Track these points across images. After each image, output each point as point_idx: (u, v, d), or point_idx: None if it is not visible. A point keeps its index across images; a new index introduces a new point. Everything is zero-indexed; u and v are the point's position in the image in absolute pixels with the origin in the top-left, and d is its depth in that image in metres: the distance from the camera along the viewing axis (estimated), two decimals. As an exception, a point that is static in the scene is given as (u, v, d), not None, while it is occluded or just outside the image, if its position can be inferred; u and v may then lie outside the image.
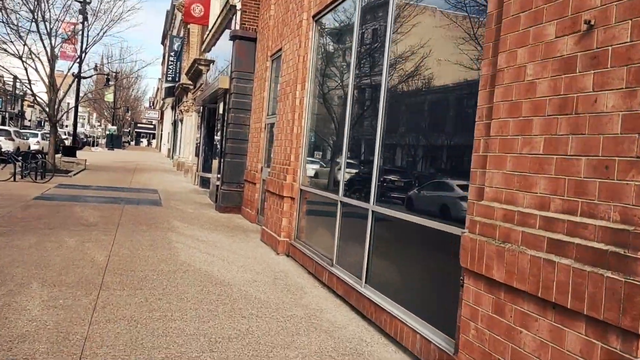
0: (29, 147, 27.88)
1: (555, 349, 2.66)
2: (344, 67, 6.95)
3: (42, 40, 19.67)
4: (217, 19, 16.70)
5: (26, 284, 5.45)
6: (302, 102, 8.12)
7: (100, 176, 19.69)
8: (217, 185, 13.51)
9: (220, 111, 14.76)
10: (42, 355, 3.78)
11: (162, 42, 56.90)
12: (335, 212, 6.49)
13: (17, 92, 57.92)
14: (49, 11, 19.84)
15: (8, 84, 55.13)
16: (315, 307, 5.57)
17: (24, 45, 19.13)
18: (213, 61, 18.67)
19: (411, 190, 5.04)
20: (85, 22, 23.21)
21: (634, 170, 2.41)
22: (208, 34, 18.92)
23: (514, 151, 3.14)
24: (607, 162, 2.54)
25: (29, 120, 70.94)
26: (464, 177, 4.15)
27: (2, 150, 22.37)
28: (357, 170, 6.27)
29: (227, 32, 14.56)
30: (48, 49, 19.84)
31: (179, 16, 31.37)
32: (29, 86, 19.87)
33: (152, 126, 78.97)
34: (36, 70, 19.40)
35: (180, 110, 29.91)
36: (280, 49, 9.83)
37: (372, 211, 5.42)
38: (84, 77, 26.36)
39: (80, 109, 33.01)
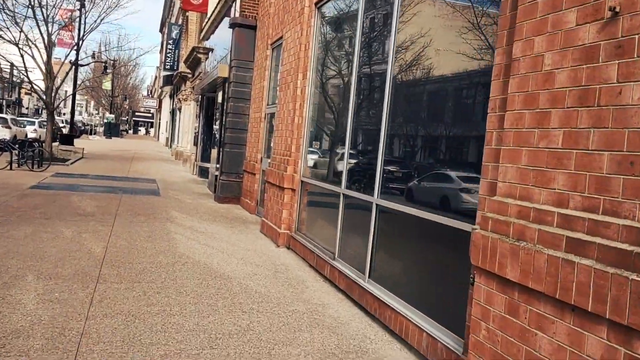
0: (26, 135, 27.72)
1: (574, 354, 2.54)
2: (347, 55, 6.78)
3: (38, 27, 19.43)
4: (216, 6, 16.46)
5: (21, 276, 5.31)
6: (304, 91, 7.95)
7: (97, 165, 19.52)
8: (216, 176, 13.36)
9: (219, 100, 14.57)
10: (36, 352, 3.65)
11: (161, 30, 56.43)
12: (337, 204, 6.35)
13: (14, 79, 57.45)
14: (46, -3, 19.51)
15: (5, 71, 54.68)
16: (317, 301, 5.45)
17: (20, 31, 18.88)
18: (212, 49, 18.45)
19: (417, 184, 4.90)
20: (83, 9, 22.92)
21: (662, 167, 2.27)
22: (207, 22, 18.68)
23: (530, 145, 3.00)
24: (633, 157, 2.40)
25: (27, 108, 70.48)
26: (473, 171, 4.02)
27: (-1, 138, 22.18)
28: (360, 162, 6.12)
29: (226, 19, 14.33)
30: (45, 36, 19.58)
31: (178, 3, 31.04)
32: (25, 73, 19.63)
33: (150, 115, 78.64)
34: (33, 57, 19.14)
35: (179, 99, 29.67)
36: (281, 37, 9.65)
37: (376, 204, 5.28)
38: (82, 65, 26.13)
39: (77, 97, 32.79)
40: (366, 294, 5.15)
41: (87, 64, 30.95)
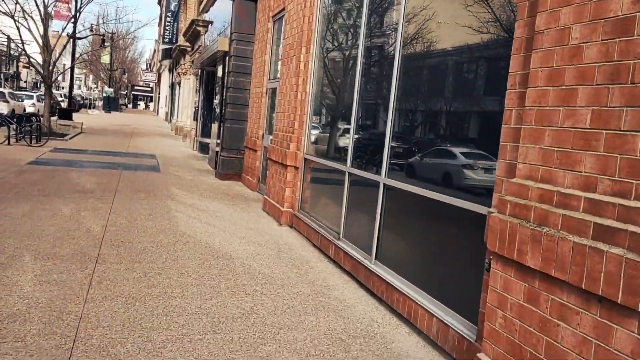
0: (24, 110, 27.43)
1: (600, 347, 2.39)
2: (353, 27, 6.53)
3: (34, -2, 19.00)
4: (216, -22, 16.04)
5: (18, 256, 5.17)
6: (307, 66, 7.71)
7: (97, 140, 19.30)
8: (217, 152, 13.17)
9: (219, 74, 14.28)
10: (33, 337, 3.52)
11: (159, 2, 55.49)
12: (342, 183, 6.18)
13: (12, 52, 56.73)
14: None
15: (2, 44, 53.97)
16: (322, 283, 5.32)
17: (15, 3, 18.45)
18: (211, 22, 18.06)
19: (427, 163, 4.72)
20: (79, -20, 22.41)
21: None
22: (207, -6, 18.24)
23: (553, 124, 2.81)
24: (671, 139, 2.22)
25: (25, 82, 69.76)
26: (489, 150, 3.84)
27: (-3, 112, 21.90)
28: (366, 140, 5.93)
29: (226, -9, 13.96)
30: (41, 8, 19.16)
31: (176, -25, 30.39)
32: (22, 46, 19.26)
33: (149, 89, 77.93)
34: (29, 30, 18.76)
35: (178, 73, 29.26)
36: (283, 9, 9.35)
37: (384, 184, 5.11)
38: (79, 38, 25.68)
39: (76, 71, 32.36)
40: (373, 276, 5.01)
41: (85, 37, 30.42)
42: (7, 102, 25.63)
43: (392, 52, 5.23)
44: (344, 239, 6.01)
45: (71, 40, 23.34)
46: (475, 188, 4.08)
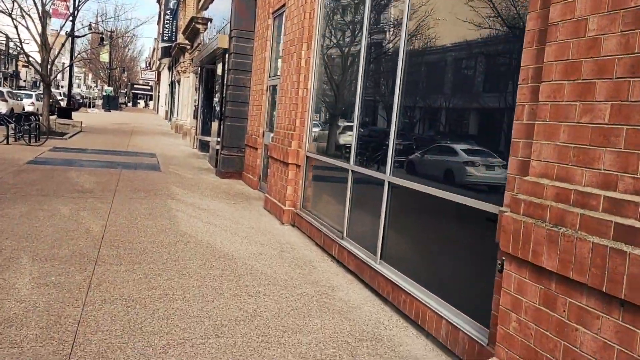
0: (23, 109, 27.28)
1: (623, 353, 2.28)
2: (356, 22, 6.41)
3: (32, -4, 18.86)
4: (215, -25, 15.90)
5: (15, 258, 5.06)
6: (308, 62, 7.59)
7: (96, 139, 19.17)
8: (217, 150, 13.05)
9: (219, 72, 14.15)
10: (30, 342, 3.41)
11: (158, 1, 55.33)
12: (345, 181, 6.06)
13: (10, 51, 56.56)
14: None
15: (1, 43, 53.79)
16: (326, 283, 5.21)
17: (13, 1, 18.32)
18: (211, 19, 17.92)
19: (434, 160, 4.61)
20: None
21: None
22: (206, -9, 18.09)
23: (570, 120, 2.70)
24: (698, 135, 2.11)
25: (24, 81, 69.60)
26: (496, 147, 3.73)
27: (-5, 111, 21.76)
28: (370, 137, 5.81)
29: (226, -12, 13.82)
30: (39, 6, 19.01)
31: (175, -28, 30.24)
32: (20, 45, 19.13)
33: (149, 87, 77.72)
34: (27, 28, 18.63)
35: (178, 71, 29.11)
36: (283, 5, 9.22)
37: (389, 182, 4.99)
38: (78, 36, 25.54)
39: (75, 69, 32.22)
40: (378, 276, 4.90)
41: (84, 35, 30.29)
42: (6, 101, 25.49)
43: (397, 46, 5.11)
44: (348, 238, 5.90)
45: (70, 38, 23.18)
46: (484, 186, 3.97)
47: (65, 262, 5.06)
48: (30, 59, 19.86)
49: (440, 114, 4.65)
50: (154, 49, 67.51)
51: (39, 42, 18.93)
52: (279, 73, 9.25)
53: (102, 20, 44.60)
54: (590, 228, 2.47)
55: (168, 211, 7.77)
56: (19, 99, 29.62)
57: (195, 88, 21.18)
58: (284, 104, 8.23)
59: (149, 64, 77.51)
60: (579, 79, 2.67)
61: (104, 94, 54.88)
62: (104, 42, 38.38)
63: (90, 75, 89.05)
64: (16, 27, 18.43)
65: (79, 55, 30.93)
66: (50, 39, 19.86)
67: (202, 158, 16.21)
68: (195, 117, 19.91)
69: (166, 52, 34.71)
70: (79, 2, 22.39)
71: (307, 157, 7.52)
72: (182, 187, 10.23)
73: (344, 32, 7.00)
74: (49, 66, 19.32)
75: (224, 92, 12.64)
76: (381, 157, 5.24)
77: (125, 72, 69.30)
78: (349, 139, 6.18)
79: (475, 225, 3.84)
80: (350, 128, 6.16)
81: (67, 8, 25.22)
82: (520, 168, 3.11)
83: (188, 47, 24.54)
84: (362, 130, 5.92)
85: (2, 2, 18.36)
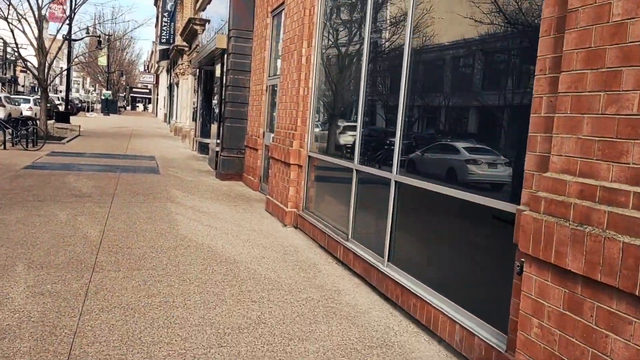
0: (21, 113, 27.08)
1: (660, 362, 2.11)
2: (358, 17, 6.23)
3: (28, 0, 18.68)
4: (212, -25, 15.73)
5: (10, 266, 4.88)
6: (309, 60, 7.41)
7: (94, 143, 19.00)
8: (217, 152, 12.88)
9: (218, 73, 13.98)
10: (23, 356, 3.24)
11: (155, 3, 55.14)
12: (349, 181, 5.89)
13: (8, 56, 56.38)
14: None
15: (-1, 49, 53.64)
16: (331, 287, 5.04)
17: (8, 5, 18.15)
18: (209, 20, 17.75)
19: (443, 158, 4.43)
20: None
21: None
22: (203, -8, 17.93)
23: (593, 111, 2.53)
24: None
25: (23, 86, 69.40)
26: (505, 143, 3.55)
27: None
28: (375, 135, 5.63)
29: (223, -13, 13.65)
30: (35, 10, 18.85)
31: (172, -26, 30.07)
32: (16, 50, 18.96)
33: (147, 90, 77.57)
34: (24, 32, 18.46)
35: (176, 74, 28.94)
36: (282, 3, 9.05)
37: (395, 181, 4.82)
38: (75, 40, 25.38)
39: (74, 74, 32.08)
40: (386, 279, 4.72)
41: (81, 39, 30.15)
42: (3, 106, 25.30)
43: (401, 42, 4.93)
44: (353, 240, 5.72)
45: (67, 42, 23.02)
46: (497, 184, 3.79)
47: (61, 270, 4.88)
48: (27, 63, 19.69)
49: (449, 110, 4.47)
50: (152, 52, 67.36)
51: (36, 46, 18.76)
52: (278, 72, 9.07)
53: (100, 23, 44.54)
54: (619, 227, 2.29)
55: (168, 215, 7.60)
56: (16, 104, 29.44)
57: (194, 90, 21.01)
58: (285, 103, 8.05)
59: (148, 67, 77.35)
60: (602, 68, 2.50)
61: (102, 97, 54.74)
62: (102, 46, 38.19)
63: (88, 79, 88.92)
64: (12, 32, 18.27)
65: (76, 59, 30.79)
66: (47, 43, 19.70)
67: (202, 160, 16.04)
68: (194, 119, 19.74)
69: (164, 54, 34.56)
70: (76, 5, 22.22)
71: (309, 157, 7.35)
72: (182, 189, 10.06)
73: (346, 29, 6.83)
74: (46, 70, 19.15)
75: (223, 92, 12.46)
76: (387, 155, 5.07)
77: (124, 76, 69.16)
78: (352, 137, 6.01)
79: (488, 225, 3.67)
80: (354, 126, 5.99)
81: (64, 11, 25.07)
82: (539, 164, 2.93)
83: (186, 49, 24.37)
84: (366, 128, 5.75)
85: (-2, 6, 18.23)
